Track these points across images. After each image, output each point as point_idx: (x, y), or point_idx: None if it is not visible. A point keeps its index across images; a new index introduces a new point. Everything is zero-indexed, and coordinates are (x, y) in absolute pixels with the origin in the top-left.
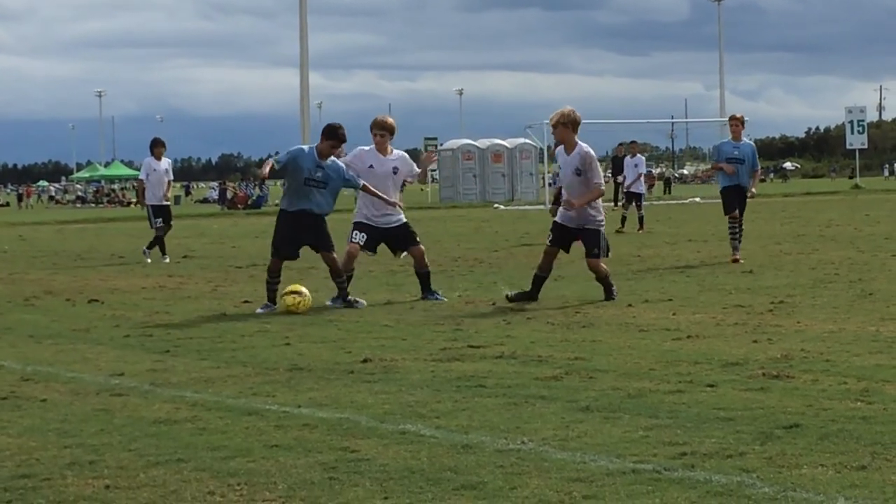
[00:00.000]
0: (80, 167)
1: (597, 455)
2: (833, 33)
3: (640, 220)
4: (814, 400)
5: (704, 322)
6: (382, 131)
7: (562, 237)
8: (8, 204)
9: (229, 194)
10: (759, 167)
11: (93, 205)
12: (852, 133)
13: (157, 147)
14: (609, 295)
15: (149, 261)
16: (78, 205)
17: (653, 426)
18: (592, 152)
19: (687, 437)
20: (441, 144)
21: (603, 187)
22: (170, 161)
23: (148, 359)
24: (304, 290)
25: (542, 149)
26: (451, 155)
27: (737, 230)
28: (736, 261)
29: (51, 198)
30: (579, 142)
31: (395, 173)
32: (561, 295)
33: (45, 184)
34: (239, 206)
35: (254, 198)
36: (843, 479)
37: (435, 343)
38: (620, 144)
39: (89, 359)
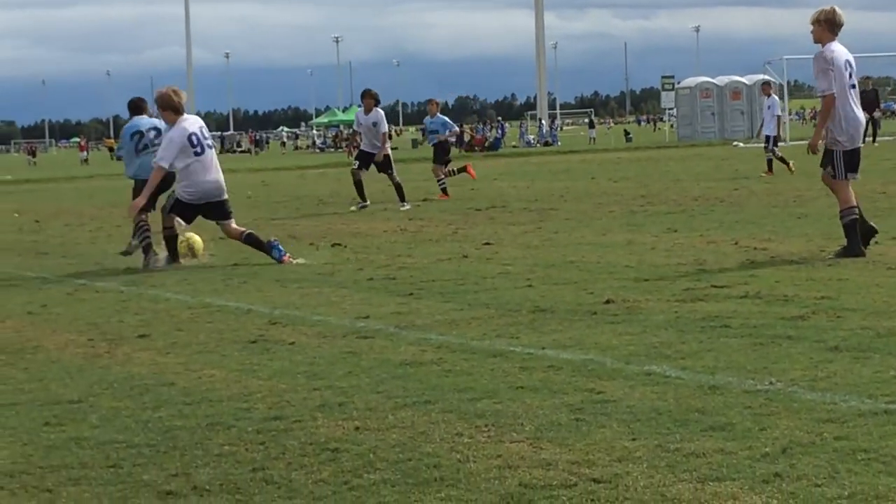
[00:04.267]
0: (318, 113)
1: (847, 395)
2: None
3: (769, 162)
4: None
5: None
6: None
7: None
8: (249, 151)
9: (466, 137)
10: None
11: (332, 150)
12: None
13: (363, 99)
14: (850, 245)
15: (352, 209)
16: (316, 151)
17: None
18: (827, 53)
19: None
20: (678, 83)
21: (828, 93)
22: (380, 113)
23: (392, 301)
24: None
25: (781, 85)
26: (688, 93)
27: None
28: None
29: (283, 143)
30: (829, 44)
31: None
32: (805, 233)
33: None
34: (476, 148)
35: (491, 140)
36: None
37: (678, 283)
38: (866, 78)
39: (334, 302)
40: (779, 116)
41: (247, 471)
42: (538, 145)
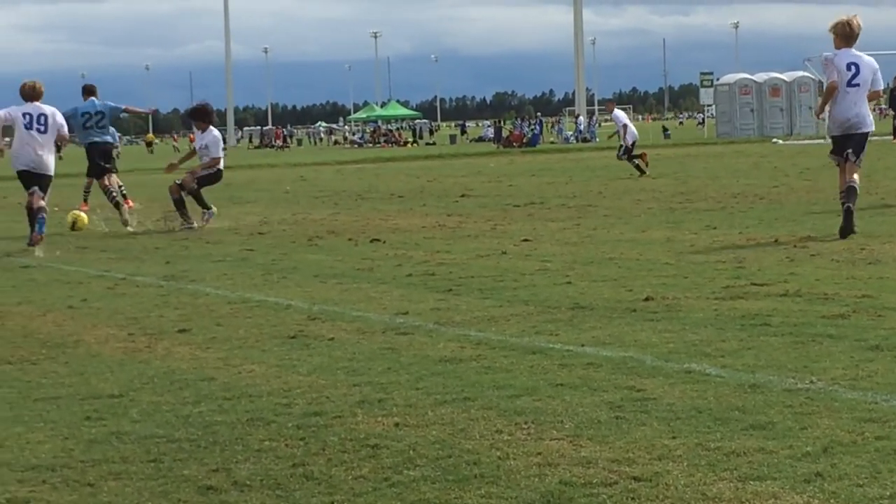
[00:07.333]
0: (356, 108)
1: (889, 395)
2: None
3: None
4: None
5: None
6: None
7: None
8: (281, 147)
9: (504, 133)
10: None
11: (370, 144)
12: None
13: (196, 119)
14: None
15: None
16: (347, 146)
17: None
18: (829, 56)
19: None
20: (717, 79)
21: (829, 82)
22: (215, 135)
23: (431, 297)
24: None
25: (821, 81)
26: (727, 90)
27: None
28: None
29: (319, 139)
30: (838, 50)
31: None
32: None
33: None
34: (514, 144)
35: (529, 136)
36: None
37: (717, 281)
38: None
39: (374, 298)
40: (625, 126)
41: (287, 466)
42: (576, 141)
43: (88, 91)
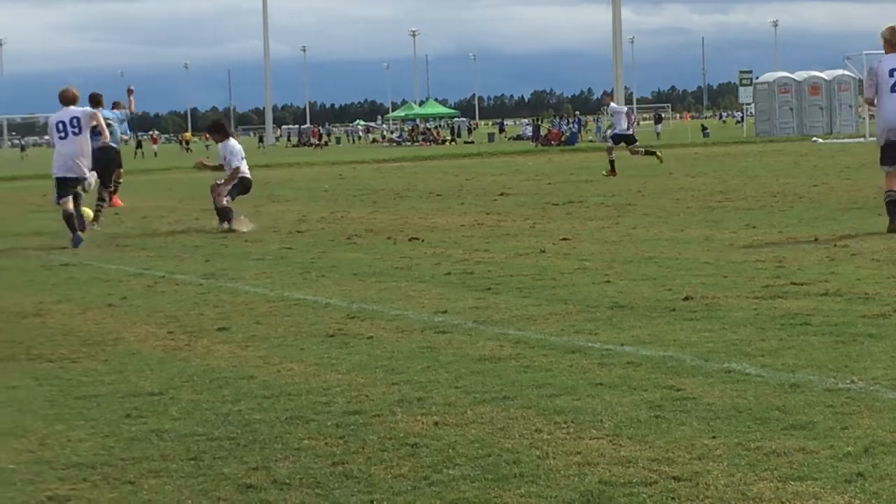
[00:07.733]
0: (395, 106)
1: None
2: None
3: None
4: None
5: None
6: None
7: None
8: (327, 144)
9: (543, 131)
10: None
11: (408, 143)
12: None
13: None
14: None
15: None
16: (385, 144)
17: None
18: (873, 65)
19: None
20: (756, 78)
21: (864, 97)
22: (233, 145)
23: (470, 296)
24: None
25: (861, 80)
26: (766, 88)
27: None
28: None
29: (358, 137)
30: (886, 55)
31: None
32: (885, 230)
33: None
34: (552, 142)
35: (567, 135)
36: None
37: (757, 280)
38: None
39: (412, 296)
40: (626, 113)
41: (326, 465)
42: None
43: (95, 101)
